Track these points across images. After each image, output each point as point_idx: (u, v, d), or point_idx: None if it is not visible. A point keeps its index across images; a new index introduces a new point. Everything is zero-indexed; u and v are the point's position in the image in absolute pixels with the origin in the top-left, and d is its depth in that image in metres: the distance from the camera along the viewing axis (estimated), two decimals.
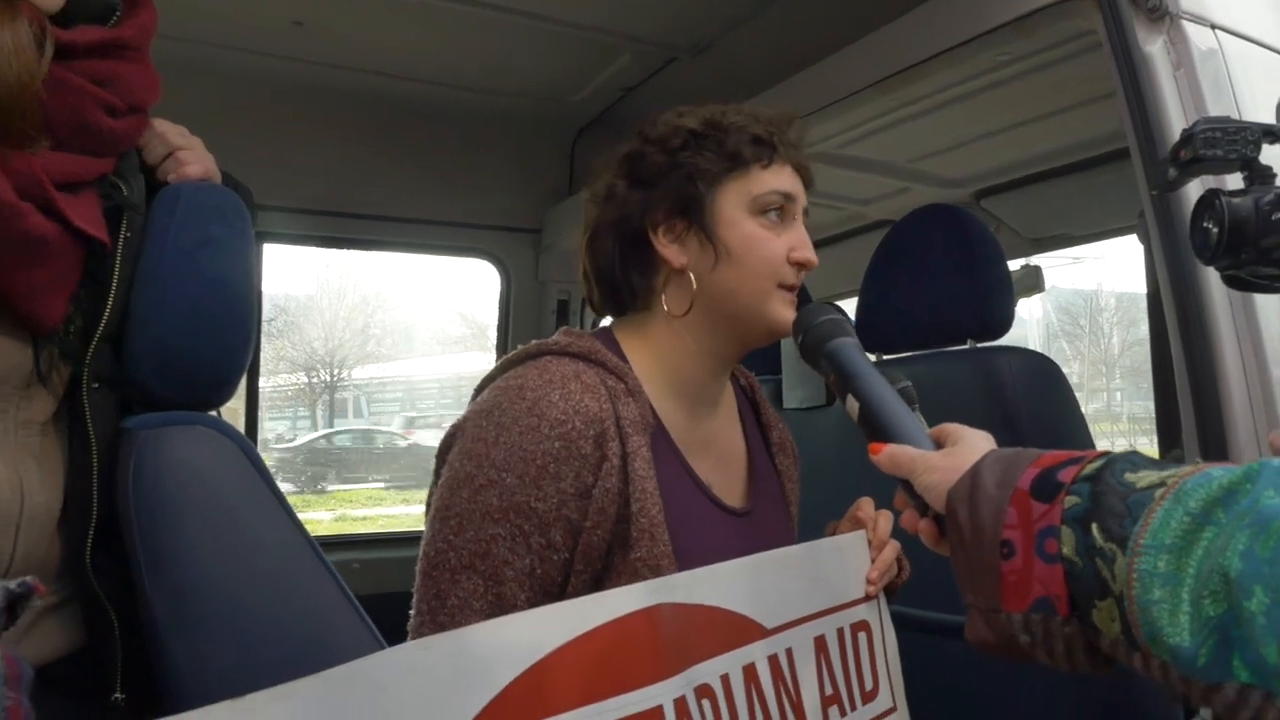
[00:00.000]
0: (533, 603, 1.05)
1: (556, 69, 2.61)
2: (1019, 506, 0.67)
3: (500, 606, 1.03)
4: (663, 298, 1.20)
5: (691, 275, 1.18)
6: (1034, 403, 1.50)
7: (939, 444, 0.85)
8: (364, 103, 2.66)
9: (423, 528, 1.12)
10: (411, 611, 1.10)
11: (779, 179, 1.18)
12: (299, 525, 0.91)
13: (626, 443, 1.09)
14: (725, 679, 0.94)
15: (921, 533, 0.82)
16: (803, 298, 1.27)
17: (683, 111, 1.22)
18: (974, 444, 0.80)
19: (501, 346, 3.10)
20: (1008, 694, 1.59)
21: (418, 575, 1.08)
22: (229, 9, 2.12)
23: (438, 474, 1.14)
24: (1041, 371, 1.53)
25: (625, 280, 1.22)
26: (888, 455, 0.85)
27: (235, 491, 0.88)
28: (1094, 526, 0.61)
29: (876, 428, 0.90)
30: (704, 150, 1.18)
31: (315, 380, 21.66)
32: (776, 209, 1.17)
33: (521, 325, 3.07)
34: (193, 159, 1.04)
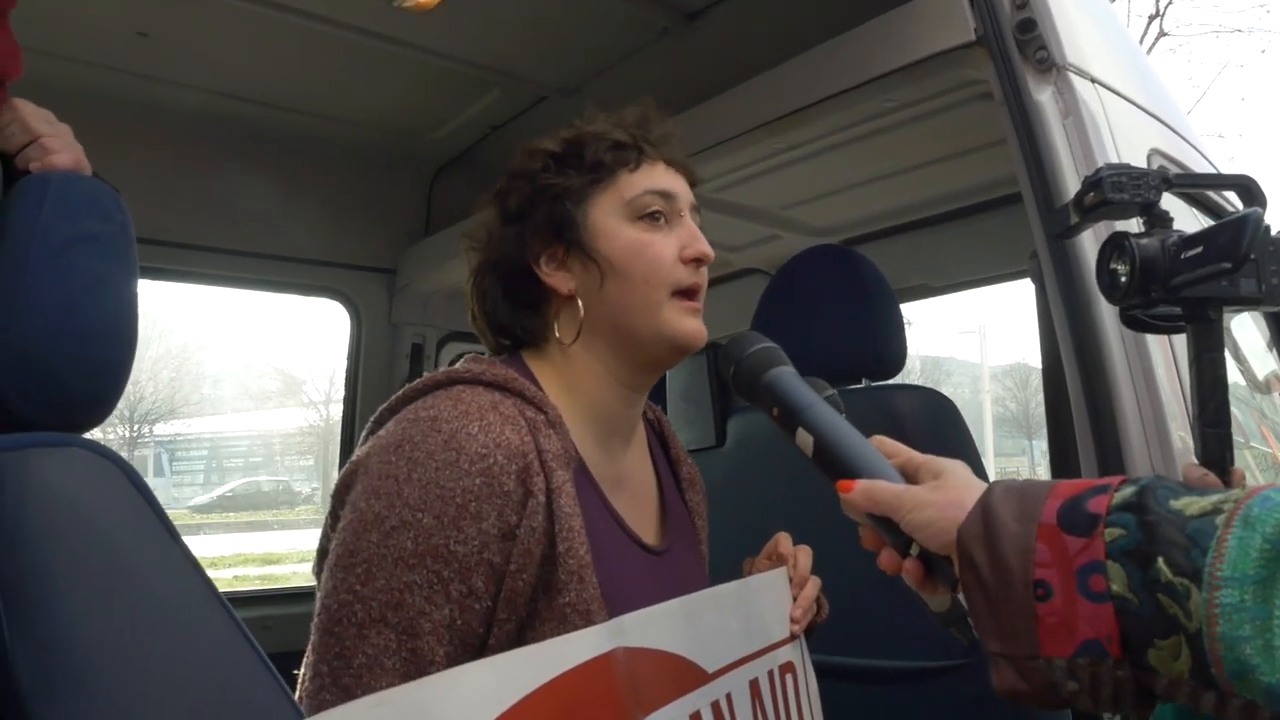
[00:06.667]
0: (451, 658, 0.94)
1: (418, 101, 2.51)
2: (1049, 542, 0.61)
3: (415, 664, 0.91)
4: (555, 326, 1.15)
5: (580, 301, 1.12)
6: (934, 439, 1.51)
7: (907, 477, 0.79)
8: (208, 125, 2.47)
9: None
10: (304, 674, 0.97)
11: (651, 178, 1.14)
12: (198, 567, 0.77)
13: (550, 478, 1.01)
14: None
15: (906, 574, 0.75)
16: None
17: (542, 138, 1.18)
18: (962, 475, 0.74)
19: (351, 391, 2.90)
20: None
21: (315, 632, 0.95)
22: (71, 10, 1.91)
23: (335, 517, 1.02)
24: (938, 408, 1.56)
25: (516, 319, 1.16)
26: (863, 492, 0.77)
27: (119, 526, 0.73)
28: (1159, 560, 0.56)
29: (837, 463, 0.83)
30: (566, 169, 1.13)
31: (110, 435, 20.11)
32: (655, 210, 1.12)
33: (373, 369, 2.90)
34: (60, 146, 0.90)
